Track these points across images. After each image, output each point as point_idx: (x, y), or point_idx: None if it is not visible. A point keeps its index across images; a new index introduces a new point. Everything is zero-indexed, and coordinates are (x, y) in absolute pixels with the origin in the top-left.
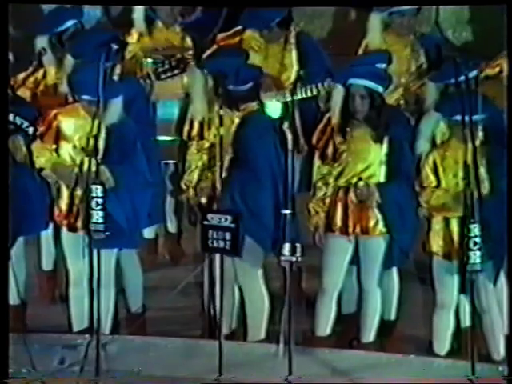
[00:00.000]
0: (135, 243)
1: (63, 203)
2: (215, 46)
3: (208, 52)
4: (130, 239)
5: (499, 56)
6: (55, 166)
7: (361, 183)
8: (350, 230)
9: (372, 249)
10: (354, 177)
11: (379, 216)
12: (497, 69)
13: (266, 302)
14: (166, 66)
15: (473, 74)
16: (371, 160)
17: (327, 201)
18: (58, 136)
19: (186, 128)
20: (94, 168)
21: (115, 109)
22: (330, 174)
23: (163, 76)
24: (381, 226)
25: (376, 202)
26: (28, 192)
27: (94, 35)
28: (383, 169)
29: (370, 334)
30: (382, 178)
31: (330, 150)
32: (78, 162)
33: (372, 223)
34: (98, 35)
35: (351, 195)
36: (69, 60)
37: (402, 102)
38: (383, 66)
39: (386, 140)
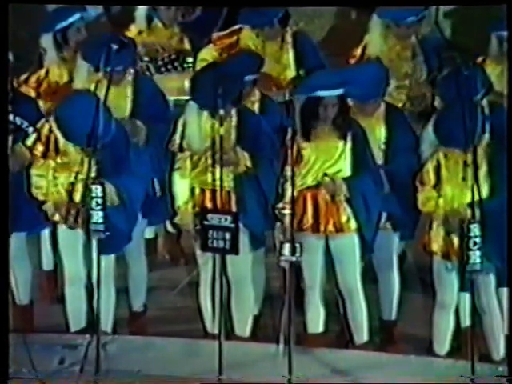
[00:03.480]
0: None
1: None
2: (211, 45)
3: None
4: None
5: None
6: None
7: (326, 178)
8: (322, 227)
9: (346, 246)
10: (320, 174)
11: (350, 212)
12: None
13: (252, 299)
14: (166, 60)
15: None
16: (337, 157)
17: (296, 200)
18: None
19: (177, 141)
20: (94, 169)
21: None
22: (297, 175)
23: (163, 69)
24: (352, 223)
25: (344, 195)
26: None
27: (101, 37)
28: (349, 163)
29: (362, 335)
30: (347, 173)
31: (295, 151)
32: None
33: (343, 220)
34: (104, 37)
35: (321, 193)
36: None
37: (405, 103)
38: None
39: (349, 136)
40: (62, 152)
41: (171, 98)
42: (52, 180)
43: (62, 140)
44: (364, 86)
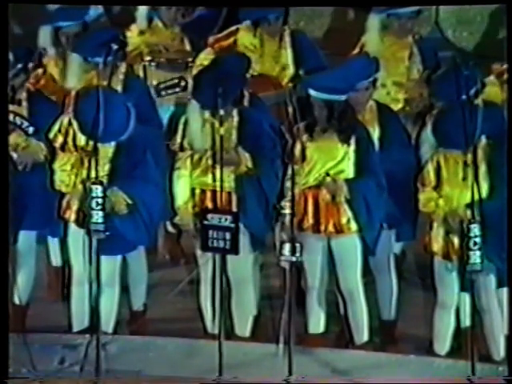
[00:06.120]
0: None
1: (72, 198)
2: (209, 49)
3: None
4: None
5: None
6: None
7: (328, 178)
8: (322, 227)
9: (347, 247)
10: (322, 175)
11: (350, 214)
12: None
13: (253, 299)
14: (168, 84)
15: (474, 89)
16: (340, 158)
17: (297, 200)
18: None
19: (178, 140)
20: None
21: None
22: (299, 174)
23: (163, 93)
24: (353, 224)
25: (345, 197)
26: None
27: (96, 34)
28: (351, 165)
29: (362, 335)
30: (350, 174)
31: (297, 151)
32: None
33: (344, 221)
34: (99, 34)
35: (322, 193)
36: (72, 57)
37: (402, 104)
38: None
39: (353, 139)
40: (79, 146)
41: (172, 97)
42: (72, 174)
43: (79, 134)
44: (353, 77)
